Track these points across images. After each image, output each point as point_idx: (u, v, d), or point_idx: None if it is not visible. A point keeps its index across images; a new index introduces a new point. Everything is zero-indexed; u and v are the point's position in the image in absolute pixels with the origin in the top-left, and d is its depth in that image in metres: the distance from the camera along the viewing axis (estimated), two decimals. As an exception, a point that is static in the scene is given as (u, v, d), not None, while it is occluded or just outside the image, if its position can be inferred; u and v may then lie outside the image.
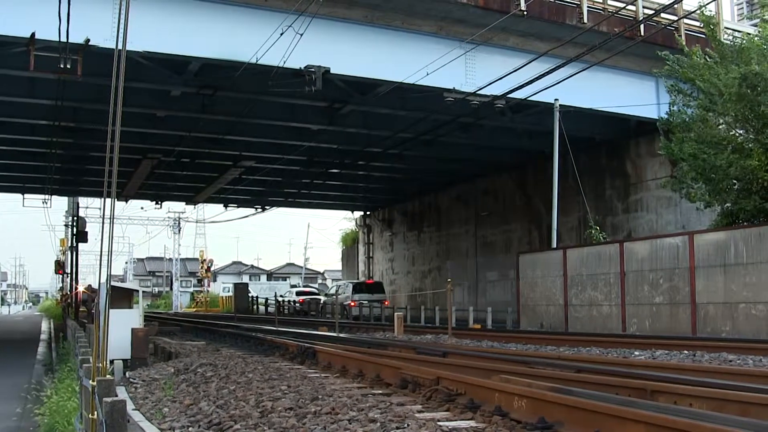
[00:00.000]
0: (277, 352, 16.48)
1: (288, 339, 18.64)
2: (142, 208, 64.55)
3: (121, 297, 18.49)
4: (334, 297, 37.94)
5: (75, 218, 43.38)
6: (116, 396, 5.31)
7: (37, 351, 23.76)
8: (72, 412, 9.50)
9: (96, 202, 56.18)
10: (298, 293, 57.48)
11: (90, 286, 49.64)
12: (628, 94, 25.28)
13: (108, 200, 5.96)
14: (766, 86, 20.27)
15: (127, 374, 14.80)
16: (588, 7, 23.25)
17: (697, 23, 25.18)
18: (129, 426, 6.87)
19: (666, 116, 24.66)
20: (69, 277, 47.63)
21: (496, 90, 21.89)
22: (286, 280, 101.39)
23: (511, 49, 23.14)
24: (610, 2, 24.28)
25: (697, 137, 22.03)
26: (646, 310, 21.38)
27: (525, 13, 21.67)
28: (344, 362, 12.57)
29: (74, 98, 22.43)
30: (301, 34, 17.79)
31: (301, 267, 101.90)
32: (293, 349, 15.81)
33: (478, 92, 22.26)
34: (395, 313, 27.25)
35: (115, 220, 6.23)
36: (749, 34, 23.63)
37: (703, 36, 24.59)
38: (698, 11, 23.41)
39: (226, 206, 47.61)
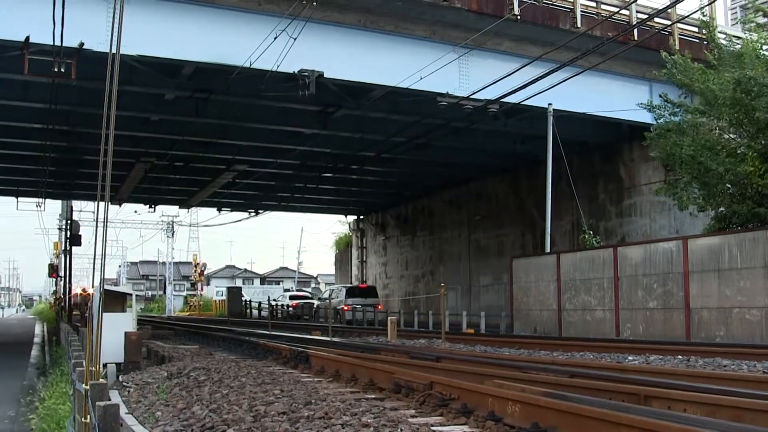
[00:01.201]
0: (270, 356, 16.45)
1: (281, 343, 18.61)
2: (135, 211, 64.40)
3: (115, 301, 18.44)
4: (328, 301, 37.87)
5: (69, 221, 43.34)
6: (109, 400, 5.30)
7: (30, 354, 23.70)
8: (64, 416, 9.47)
9: (90, 205, 56.30)
10: (292, 297, 57.48)
11: (84, 289, 49.61)
12: (622, 99, 25.28)
13: (102, 204, 5.95)
14: (760, 91, 20.19)
15: (120, 378, 14.79)
16: (581, 11, 23.30)
17: (691, 28, 25.23)
18: (122, 430, 6.85)
19: (655, 124, 24.66)
20: (63, 281, 47.57)
21: (489, 94, 21.87)
22: (279, 284, 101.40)
23: (504, 54, 23.15)
24: (603, 6, 24.33)
25: (692, 142, 22.04)
26: (640, 314, 21.37)
27: (518, 17, 21.68)
28: (337, 366, 12.55)
29: (68, 102, 22.36)
30: (295, 39, 17.81)
31: (295, 271, 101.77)
32: (286, 353, 15.79)
33: (471, 96, 22.24)
34: (388, 318, 27.18)
35: (108, 223, 6.22)
36: (741, 38, 23.66)
37: (697, 41, 24.63)
38: (694, 14, 23.43)
39: (219, 210, 47.60)
